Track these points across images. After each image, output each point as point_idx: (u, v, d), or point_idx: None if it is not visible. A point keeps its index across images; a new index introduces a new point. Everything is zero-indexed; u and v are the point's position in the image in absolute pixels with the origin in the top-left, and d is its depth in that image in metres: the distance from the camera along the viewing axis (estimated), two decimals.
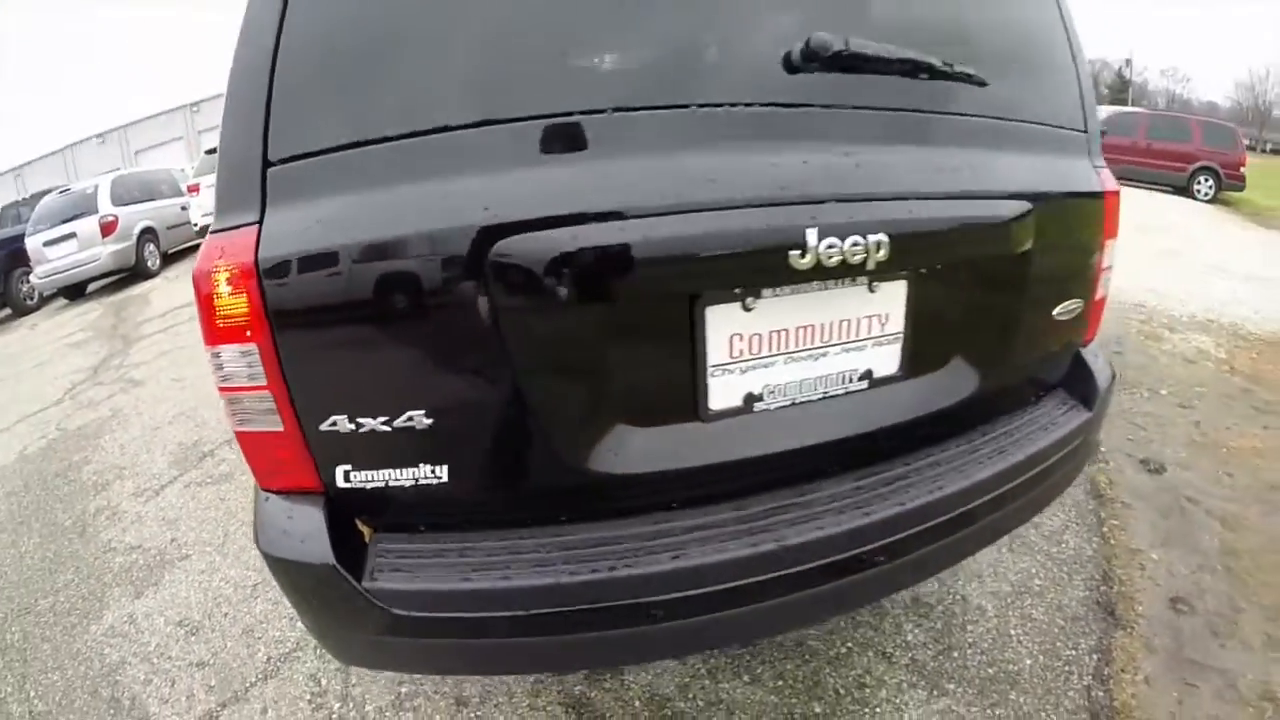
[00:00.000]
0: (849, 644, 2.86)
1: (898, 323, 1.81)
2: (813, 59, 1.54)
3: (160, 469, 5.16)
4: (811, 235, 1.49)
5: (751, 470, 1.71)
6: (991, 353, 1.99)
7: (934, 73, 1.72)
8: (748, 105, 1.55)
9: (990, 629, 2.97)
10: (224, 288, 1.37)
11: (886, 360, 1.83)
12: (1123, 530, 3.66)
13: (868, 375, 1.82)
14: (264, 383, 1.43)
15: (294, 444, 1.50)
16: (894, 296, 1.77)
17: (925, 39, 1.76)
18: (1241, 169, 19.36)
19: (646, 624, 1.55)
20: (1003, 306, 1.97)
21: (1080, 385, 2.28)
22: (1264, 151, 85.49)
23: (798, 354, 1.71)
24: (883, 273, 1.67)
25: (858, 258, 1.54)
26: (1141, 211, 15.23)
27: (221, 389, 1.48)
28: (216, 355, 1.44)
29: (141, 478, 5.07)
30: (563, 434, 1.55)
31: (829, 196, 1.56)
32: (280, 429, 1.48)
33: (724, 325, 1.59)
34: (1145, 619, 3.07)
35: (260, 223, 1.40)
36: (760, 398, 1.69)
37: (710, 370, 1.61)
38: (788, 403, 1.74)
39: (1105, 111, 22.19)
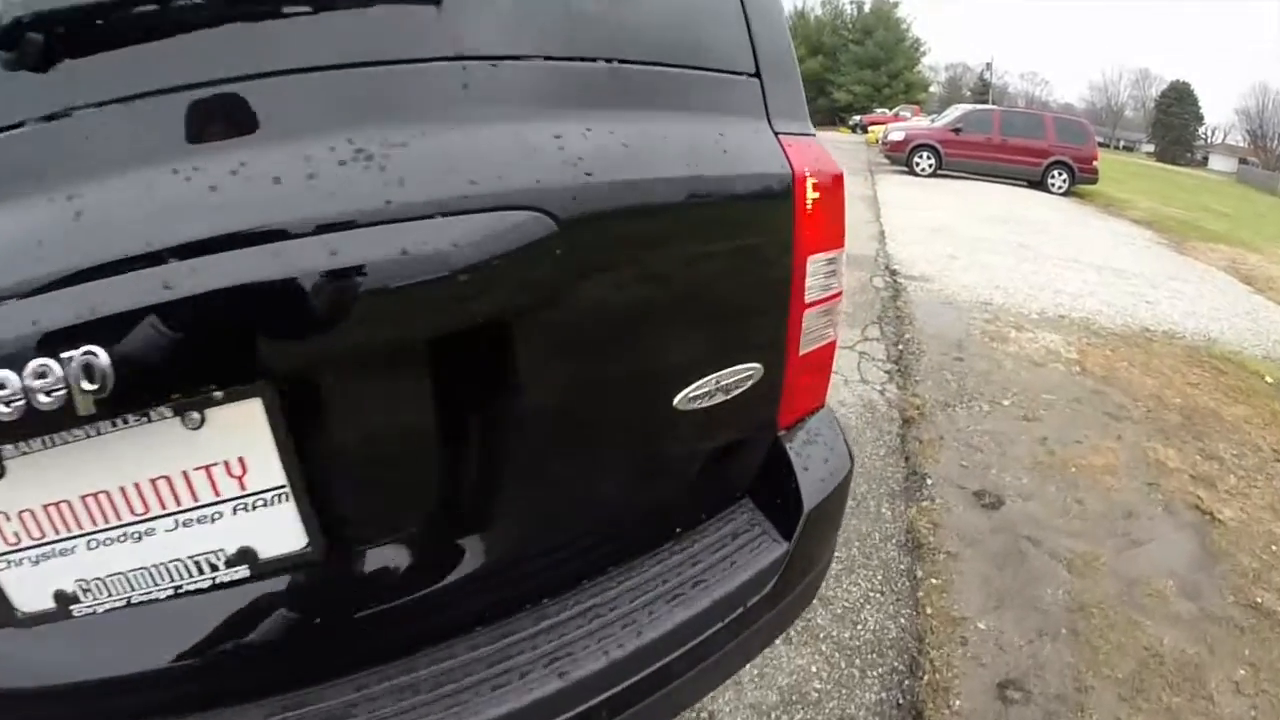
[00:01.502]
0: None
1: (270, 470, 1.00)
2: None
3: None
4: None
5: (106, 693, 1.05)
6: (523, 492, 1.21)
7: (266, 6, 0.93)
8: None
9: None
10: None
11: (277, 530, 1.04)
12: (944, 593, 2.92)
13: (246, 557, 1.03)
14: None
15: None
16: (243, 428, 0.97)
17: None
18: (1094, 163, 19.76)
19: None
20: (529, 410, 1.16)
21: (777, 495, 1.51)
22: (1117, 148, 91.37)
23: (103, 534, 0.99)
24: (184, 396, 0.91)
25: (51, 396, 0.79)
26: (995, 206, 15.23)
27: None
28: None
29: None
30: None
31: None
32: None
33: None
34: (963, 718, 2.36)
35: None
36: (75, 597, 1.02)
37: None
38: (120, 602, 1.02)
39: (960, 109, 22.66)
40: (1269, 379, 6.01)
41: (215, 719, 1.02)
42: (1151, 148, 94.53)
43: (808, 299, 1.42)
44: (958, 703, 2.40)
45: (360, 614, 1.09)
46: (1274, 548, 3.53)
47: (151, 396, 0.87)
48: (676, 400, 1.27)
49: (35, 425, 0.79)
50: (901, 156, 20.21)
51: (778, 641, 2.54)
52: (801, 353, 1.47)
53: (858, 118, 51.76)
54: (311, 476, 1.00)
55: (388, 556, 1.11)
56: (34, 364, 0.75)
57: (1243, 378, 5.91)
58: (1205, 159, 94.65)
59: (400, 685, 1.08)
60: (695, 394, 1.28)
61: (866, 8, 73.67)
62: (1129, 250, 11.90)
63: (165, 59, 0.87)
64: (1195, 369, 5.91)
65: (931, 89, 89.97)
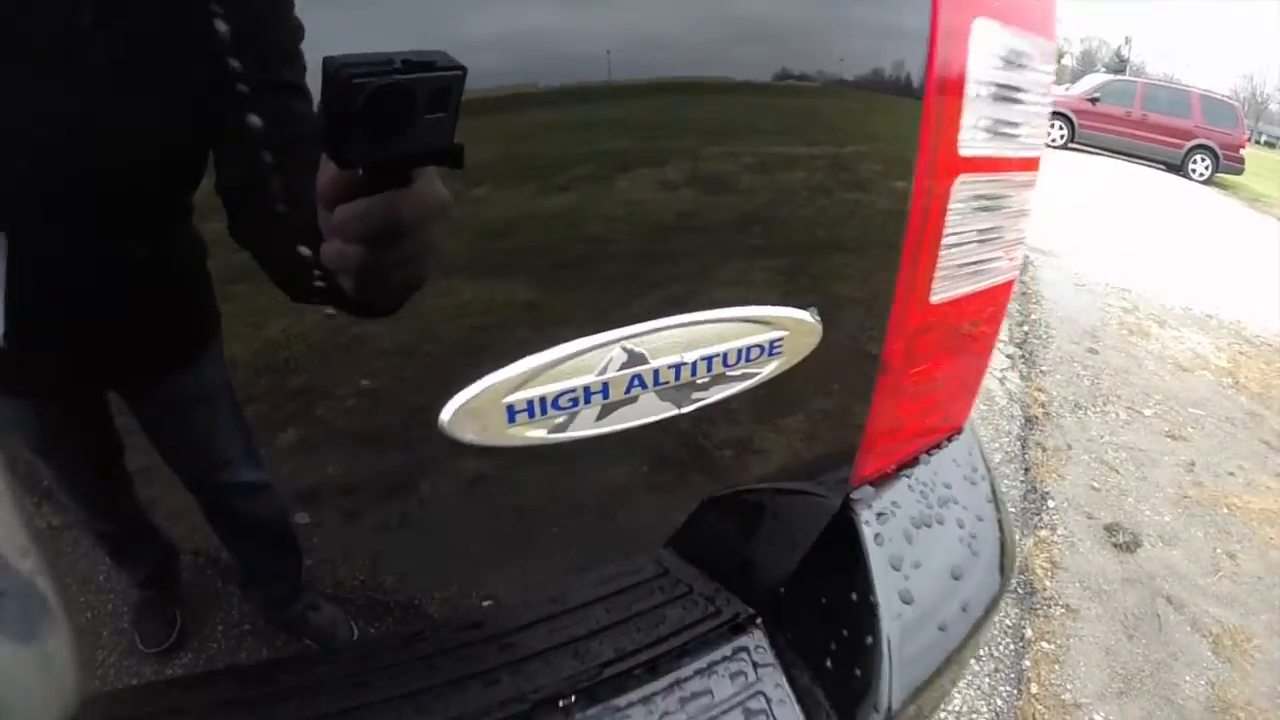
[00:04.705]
0: None
1: None
2: None
3: None
4: None
5: None
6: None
7: None
8: None
9: None
10: None
11: None
12: (1056, 664, 2.26)
13: None
14: None
15: None
16: None
17: None
18: (1241, 151, 18.19)
19: None
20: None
21: (827, 638, 0.80)
22: (1258, 143, 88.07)
23: None
24: None
25: None
26: (1131, 186, 14.32)
27: None
28: None
29: None
30: None
31: None
32: None
33: None
34: None
35: None
36: None
37: None
38: None
39: (1099, 78, 21.35)
40: None
41: None
42: None
43: (964, 147, 0.69)
44: None
45: None
46: None
47: None
48: (444, 415, 0.57)
49: None
50: None
51: None
52: (936, 296, 0.76)
53: None
54: None
55: None
56: None
57: None
58: None
59: None
60: (541, 392, 0.58)
61: None
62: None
63: None
64: None
65: (1064, 60, 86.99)
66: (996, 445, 3.51)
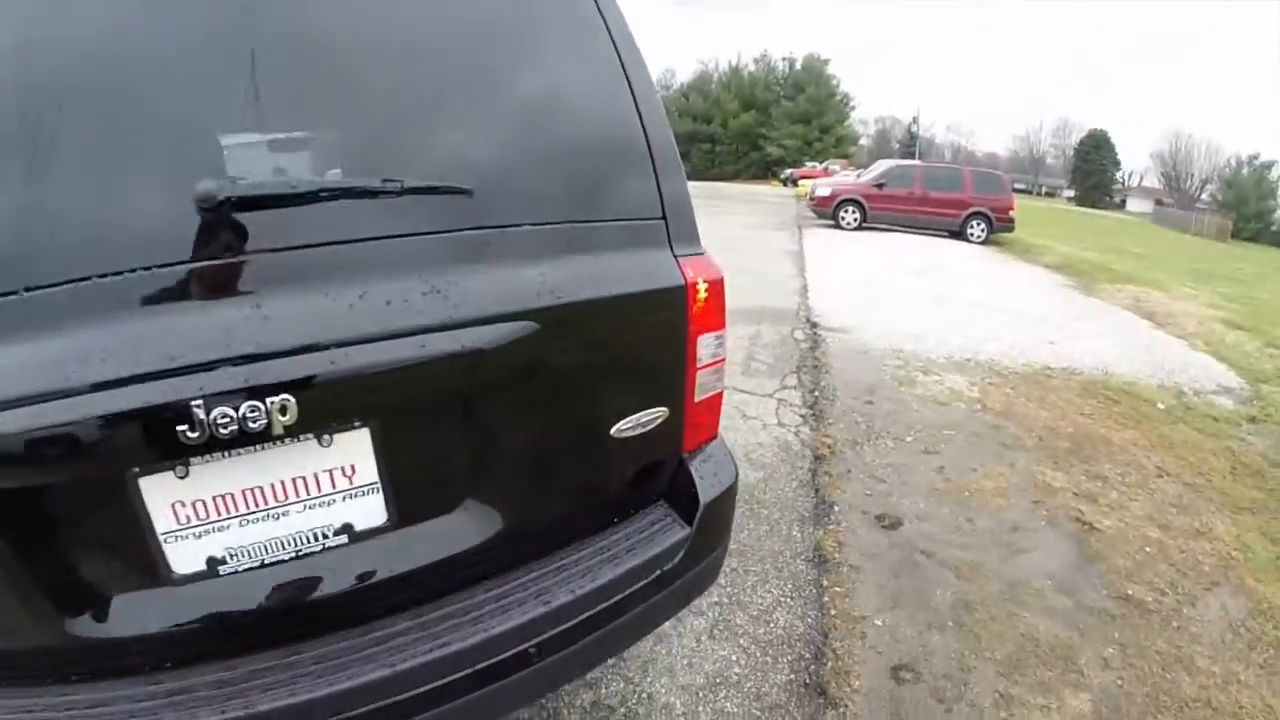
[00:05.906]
0: None
1: (370, 473, 1.64)
2: (209, 211, 1.40)
3: None
4: (198, 408, 1.35)
5: (239, 629, 1.60)
6: (516, 488, 1.84)
7: (375, 195, 1.56)
8: (144, 269, 1.40)
9: None
10: None
11: (368, 512, 1.67)
12: (846, 597, 3.40)
13: (347, 529, 1.65)
14: None
15: None
16: (356, 447, 1.61)
17: (386, 147, 1.65)
18: (1010, 212, 20.67)
19: None
20: (521, 437, 1.81)
21: (683, 497, 2.10)
22: (1039, 195, 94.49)
23: (253, 516, 1.57)
24: (325, 426, 1.54)
25: (258, 423, 1.40)
26: (915, 257, 15.93)
27: None
28: None
29: None
30: (36, 601, 1.47)
31: (223, 359, 1.40)
32: None
33: (162, 495, 1.48)
34: (861, 694, 2.80)
35: None
36: (224, 560, 1.57)
37: (163, 537, 1.50)
38: (256, 564, 1.59)
39: (884, 164, 23.60)
40: (1160, 405, 6.44)
41: (321, 644, 1.60)
42: (1072, 193, 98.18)
43: (699, 364, 2.00)
44: (857, 682, 2.84)
45: (417, 567, 1.69)
46: (1148, 549, 3.96)
47: (310, 427, 1.47)
48: (612, 431, 1.86)
49: (241, 441, 1.38)
50: (828, 211, 21.06)
51: (701, 636, 3.06)
52: (696, 400, 2.05)
53: (789, 171, 52.92)
54: (392, 476, 1.62)
55: (434, 531, 1.72)
56: (248, 404, 1.36)
57: (1135, 405, 6.35)
58: (1123, 202, 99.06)
59: (439, 616, 1.69)
60: (623, 427, 1.88)
61: (798, 64, 75.80)
62: (1038, 295, 12.48)
63: (326, 227, 1.50)
64: (1090, 401, 6.36)
65: (861, 142, 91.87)
66: (794, 476, 4.57)
